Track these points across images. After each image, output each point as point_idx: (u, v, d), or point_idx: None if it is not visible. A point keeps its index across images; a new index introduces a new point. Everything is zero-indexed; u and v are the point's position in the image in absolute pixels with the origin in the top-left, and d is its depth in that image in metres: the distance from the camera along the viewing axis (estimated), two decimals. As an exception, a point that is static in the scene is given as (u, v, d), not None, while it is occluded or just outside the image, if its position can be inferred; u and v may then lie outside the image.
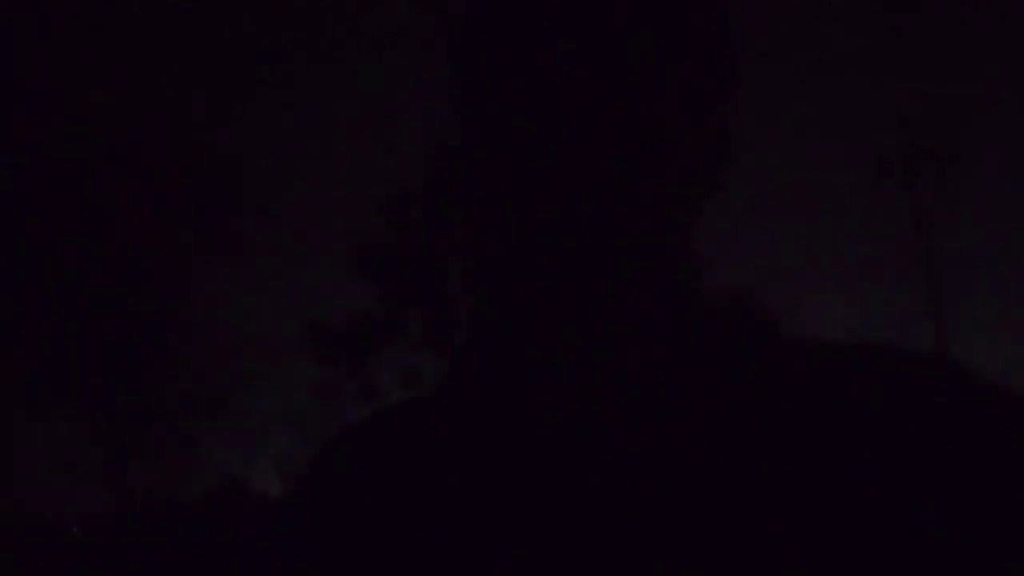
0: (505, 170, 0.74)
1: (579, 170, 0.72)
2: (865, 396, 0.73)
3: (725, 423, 0.73)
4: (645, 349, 0.76)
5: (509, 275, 0.76)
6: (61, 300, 23.12)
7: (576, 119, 0.72)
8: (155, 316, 24.00)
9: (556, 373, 0.77)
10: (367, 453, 0.83)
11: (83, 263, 23.37)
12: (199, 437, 24.93)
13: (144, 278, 23.93)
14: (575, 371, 0.76)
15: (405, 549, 0.76)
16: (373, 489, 0.81)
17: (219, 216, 24.60)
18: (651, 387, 0.75)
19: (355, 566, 0.78)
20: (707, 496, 0.71)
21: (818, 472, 0.71)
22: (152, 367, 23.98)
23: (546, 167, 0.73)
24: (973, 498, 0.69)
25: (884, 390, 0.73)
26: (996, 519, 0.69)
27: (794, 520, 0.70)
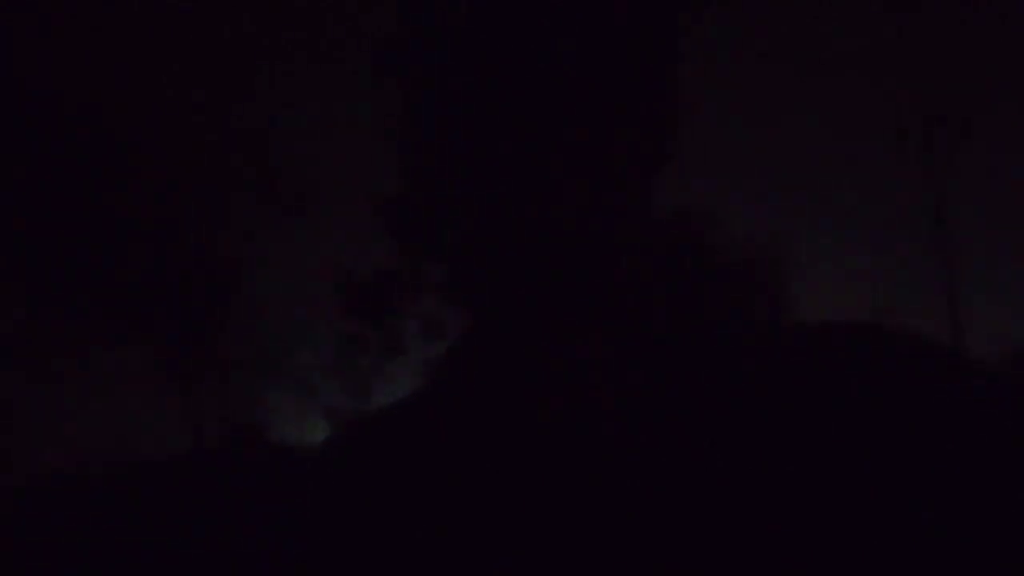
0: (476, 169, 0.74)
1: (548, 164, 0.73)
2: (862, 383, 0.73)
3: (721, 417, 0.73)
4: (635, 338, 0.77)
5: (496, 270, 0.76)
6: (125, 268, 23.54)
7: (544, 117, 0.72)
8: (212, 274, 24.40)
9: (548, 369, 0.77)
10: (368, 449, 0.84)
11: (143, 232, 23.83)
12: (255, 391, 25.29)
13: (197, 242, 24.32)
14: (567, 367, 0.77)
15: (402, 546, 0.77)
16: (372, 485, 0.81)
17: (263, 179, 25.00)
18: (647, 378, 0.76)
19: (352, 562, 0.79)
20: (706, 493, 0.71)
21: (816, 466, 0.71)
22: (210, 323, 24.34)
23: (516, 164, 0.73)
24: (977, 491, 0.68)
25: (880, 376, 0.73)
26: (1000, 512, 0.68)
27: (794, 516, 0.69)
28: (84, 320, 23.99)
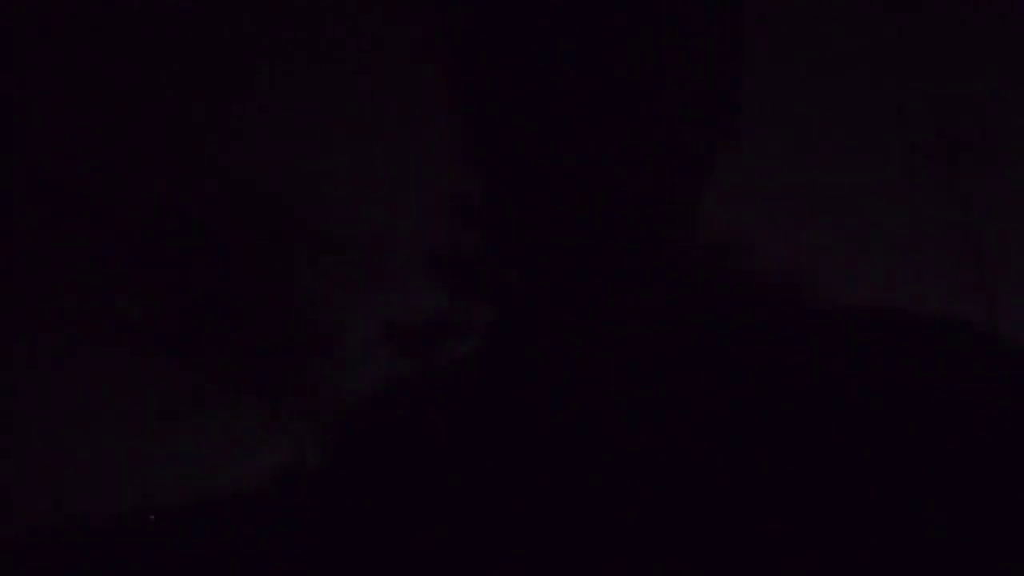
0: (509, 170, 0.73)
1: (583, 168, 0.71)
2: (884, 366, 0.71)
3: (736, 411, 0.72)
4: (656, 335, 0.76)
5: (525, 270, 0.77)
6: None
7: (578, 117, 0.71)
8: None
9: (570, 361, 0.77)
10: (385, 428, 0.84)
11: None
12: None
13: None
14: (588, 359, 0.76)
15: (410, 532, 0.77)
16: (386, 466, 0.81)
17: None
18: (663, 374, 0.75)
19: (362, 546, 0.79)
20: (716, 485, 0.70)
21: (828, 461, 0.69)
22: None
23: (549, 167, 0.72)
24: (997, 476, 0.66)
25: (904, 360, 0.71)
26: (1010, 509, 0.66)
27: (801, 512, 0.68)
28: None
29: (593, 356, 0.77)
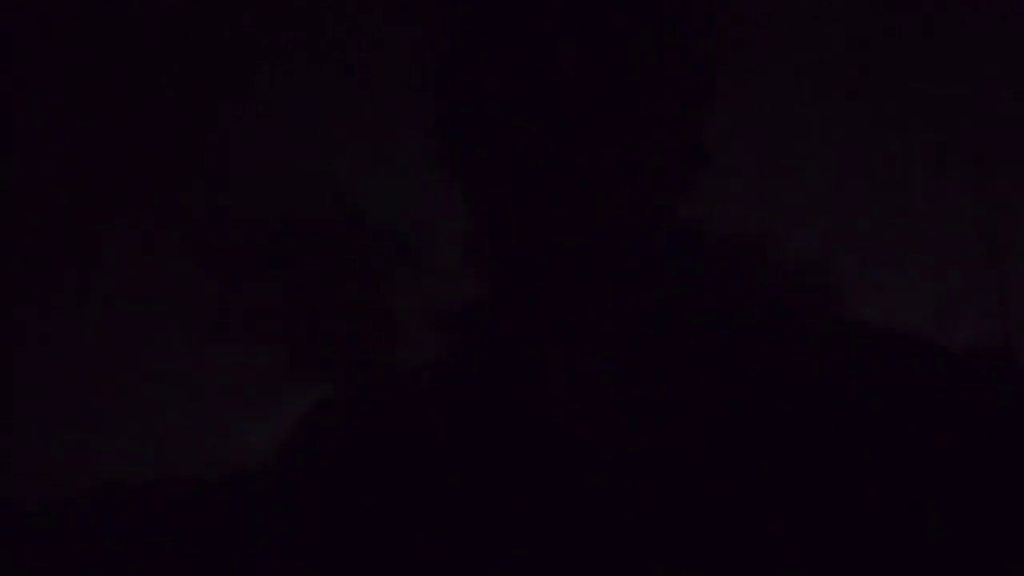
0: (498, 167, 0.73)
1: (570, 167, 0.71)
2: (865, 386, 0.72)
3: (727, 412, 0.72)
4: (642, 343, 0.75)
5: (506, 267, 0.75)
6: None
7: (568, 117, 0.71)
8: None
9: (551, 360, 0.76)
10: (353, 430, 0.81)
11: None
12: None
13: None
14: (570, 358, 0.75)
15: (398, 540, 0.75)
16: (358, 469, 0.79)
17: None
18: (650, 376, 0.74)
19: (338, 548, 0.77)
20: (708, 487, 0.70)
21: (820, 465, 0.70)
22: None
23: (538, 164, 0.71)
24: (988, 491, 0.68)
25: (902, 381, 0.72)
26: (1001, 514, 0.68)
27: (797, 514, 0.69)
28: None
29: (587, 355, 0.76)
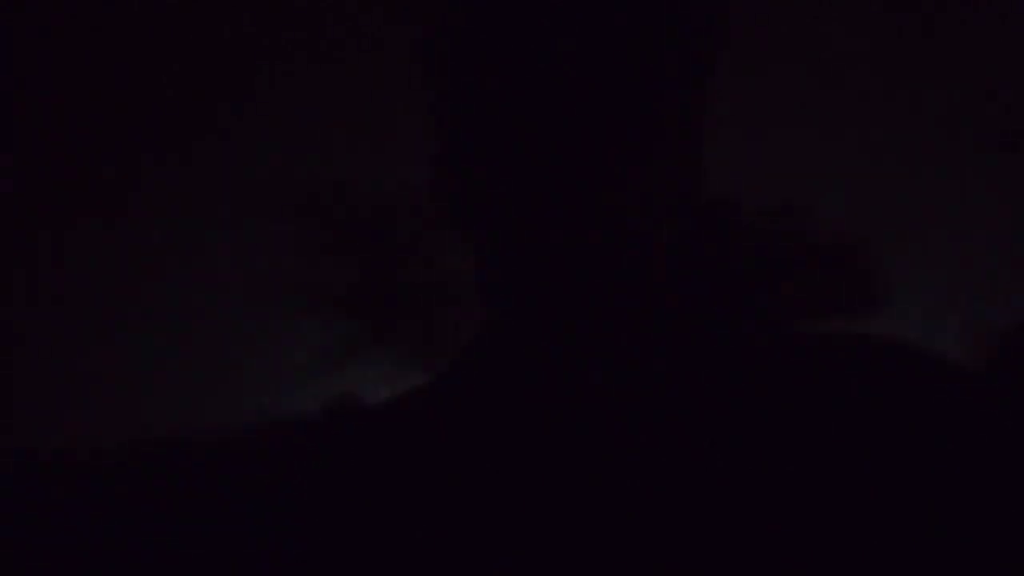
0: (497, 171, 0.73)
1: (571, 171, 0.71)
2: (862, 393, 0.73)
3: (724, 422, 0.72)
4: (643, 348, 0.75)
5: (509, 275, 0.75)
6: None
7: (569, 119, 0.71)
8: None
9: (557, 371, 0.75)
10: (365, 446, 0.80)
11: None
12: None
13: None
14: (576, 369, 0.75)
15: (400, 547, 0.75)
16: (369, 484, 0.78)
17: None
18: (650, 386, 0.74)
19: (346, 562, 0.77)
20: (705, 496, 0.70)
21: (814, 471, 0.70)
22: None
23: (538, 168, 0.72)
24: (966, 493, 0.69)
25: (877, 388, 0.73)
26: (990, 514, 0.69)
27: (793, 519, 0.69)
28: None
29: (586, 359, 0.76)
